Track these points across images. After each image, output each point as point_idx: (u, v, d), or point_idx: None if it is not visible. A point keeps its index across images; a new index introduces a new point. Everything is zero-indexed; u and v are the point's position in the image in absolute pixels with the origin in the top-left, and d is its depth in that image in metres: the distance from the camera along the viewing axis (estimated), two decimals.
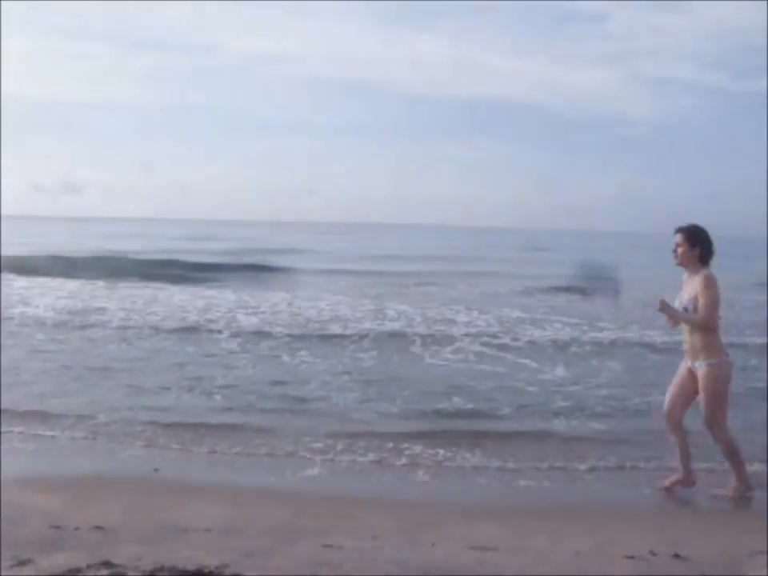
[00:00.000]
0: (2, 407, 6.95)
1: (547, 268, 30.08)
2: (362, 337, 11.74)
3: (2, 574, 3.05)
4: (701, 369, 5.26)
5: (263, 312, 14.39)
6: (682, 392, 5.41)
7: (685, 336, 5.37)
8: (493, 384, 8.72)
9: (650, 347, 11.61)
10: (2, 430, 6.45)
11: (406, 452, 6.26)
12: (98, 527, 3.94)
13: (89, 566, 3.10)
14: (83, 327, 12.01)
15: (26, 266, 21.31)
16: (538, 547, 4.09)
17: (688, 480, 5.45)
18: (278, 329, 12.18)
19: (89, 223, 79.73)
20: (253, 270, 23.41)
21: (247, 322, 13.02)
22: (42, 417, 6.91)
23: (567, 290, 19.52)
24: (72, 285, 18.70)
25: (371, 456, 6.15)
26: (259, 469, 5.70)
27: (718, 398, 5.26)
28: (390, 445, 6.42)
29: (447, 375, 9.29)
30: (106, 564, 3.14)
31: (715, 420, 5.28)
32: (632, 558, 3.84)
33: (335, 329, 12.39)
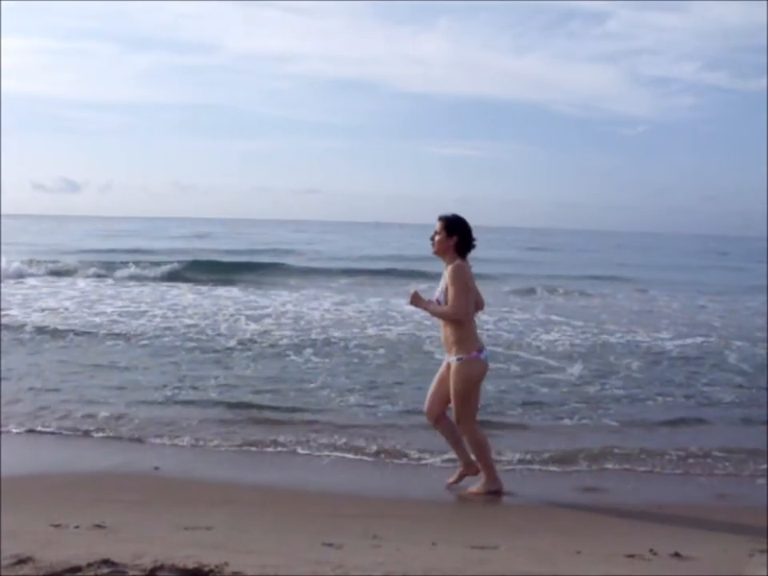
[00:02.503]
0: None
1: (547, 268, 30.16)
2: (371, 337, 11.73)
3: (2, 573, 3.05)
4: (452, 364, 5.14)
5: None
6: (440, 387, 5.28)
7: (441, 330, 5.23)
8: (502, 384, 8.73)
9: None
10: (3, 430, 6.45)
11: (409, 452, 6.25)
12: (98, 525, 3.94)
13: (89, 565, 3.10)
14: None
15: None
16: (538, 546, 4.09)
17: (470, 469, 5.33)
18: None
19: (108, 222, 79.56)
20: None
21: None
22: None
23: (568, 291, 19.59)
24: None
25: (373, 455, 6.15)
26: (260, 467, 5.69)
27: (465, 395, 5.13)
28: (393, 443, 6.43)
29: None
30: (107, 562, 3.14)
31: (462, 417, 5.17)
32: (632, 557, 3.84)
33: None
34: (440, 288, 5.15)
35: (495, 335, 12.22)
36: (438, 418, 5.35)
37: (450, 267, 5.08)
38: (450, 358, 5.18)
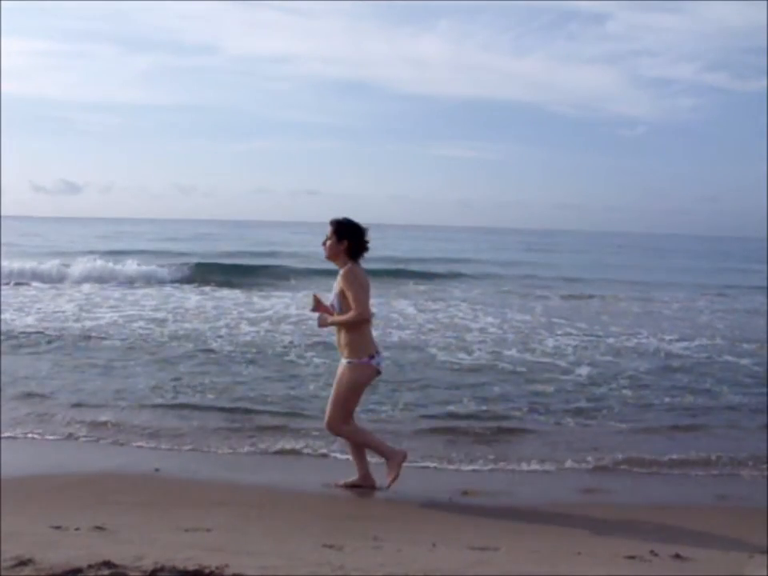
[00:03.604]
0: None
1: (547, 270, 30.15)
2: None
3: (3, 574, 3.05)
4: (343, 365, 5.12)
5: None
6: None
7: (336, 332, 5.20)
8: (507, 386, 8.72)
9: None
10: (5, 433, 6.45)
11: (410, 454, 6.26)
12: (98, 527, 3.93)
13: (89, 567, 3.10)
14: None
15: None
16: (538, 547, 4.08)
17: (367, 481, 5.30)
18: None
19: (109, 223, 79.55)
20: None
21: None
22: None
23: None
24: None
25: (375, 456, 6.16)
26: (260, 469, 5.69)
27: (346, 397, 5.10)
28: (393, 445, 6.43)
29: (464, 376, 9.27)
30: (107, 564, 3.13)
31: (334, 418, 5.13)
32: (633, 557, 3.84)
33: None
34: (333, 293, 5.13)
35: (499, 337, 12.20)
36: (341, 426, 5.29)
37: (342, 272, 5.06)
38: (342, 360, 5.15)
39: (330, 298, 5.20)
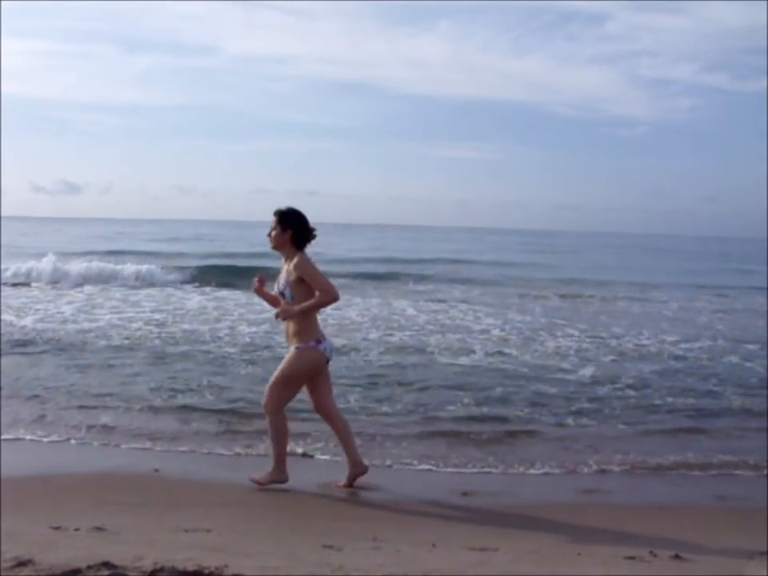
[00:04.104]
0: None
1: (547, 270, 30.15)
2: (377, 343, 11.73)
3: (2, 574, 3.05)
4: (290, 351, 5.14)
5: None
6: (313, 385, 5.24)
7: (283, 324, 5.21)
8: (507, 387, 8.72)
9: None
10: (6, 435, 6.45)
11: (409, 455, 6.26)
12: (98, 528, 3.93)
13: (89, 567, 3.10)
14: None
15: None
16: (538, 547, 4.08)
17: (358, 468, 5.28)
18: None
19: (109, 224, 79.51)
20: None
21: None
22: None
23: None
24: None
25: (375, 458, 6.16)
26: (259, 470, 5.68)
27: (288, 381, 5.11)
28: (393, 446, 6.43)
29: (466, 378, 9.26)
30: (106, 565, 3.13)
31: (273, 399, 5.14)
32: (632, 558, 3.84)
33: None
34: (282, 282, 5.15)
35: (500, 338, 12.19)
36: (329, 415, 5.32)
37: (296, 261, 5.07)
38: (291, 348, 5.17)
39: (275, 288, 5.20)
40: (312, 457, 6.12)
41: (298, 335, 5.11)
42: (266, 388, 5.23)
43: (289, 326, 5.16)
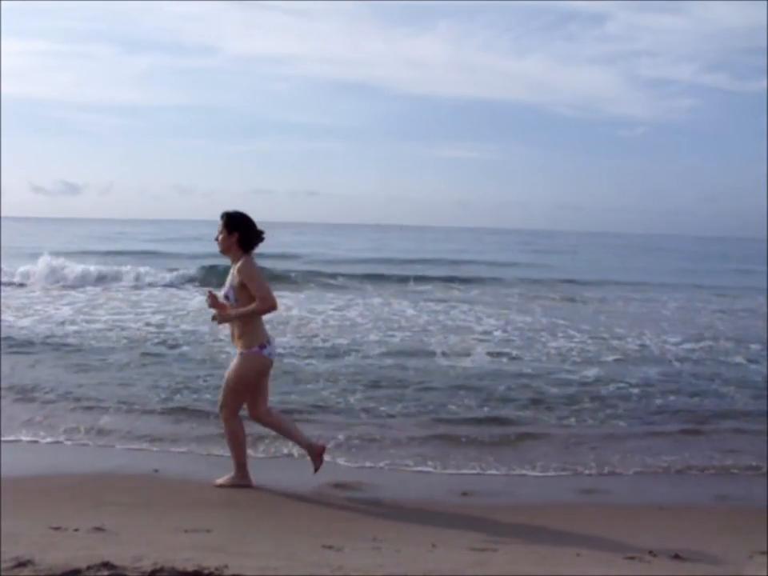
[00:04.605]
0: None
1: (547, 271, 30.15)
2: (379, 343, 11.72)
3: (2, 575, 3.05)
4: (237, 356, 5.17)
5: None
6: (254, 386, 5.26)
7: (230, 325, 5.22)
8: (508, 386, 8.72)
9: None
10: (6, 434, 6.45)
11: (409, 456, 6.26)
12: (97, 528, 3.93)
13: (89, 567, 3.10)
14: None
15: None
16: (538, 548, 4.08)
17: (314, 449, 5.33)
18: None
19: (109, 224, 79.47)
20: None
21: None
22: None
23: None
24: None
25: (375, 458, 6.16)
26: (259, 470, 5.68)
27: (237, 388, 5.13)
28: (393, 447, 6.43)
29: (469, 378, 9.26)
30: (106, 565, 3.14)
31: (226, 406, 5.17)
32: (632, 558, 3.85)
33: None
34: (227, 284, 5.14)
35: (502, 339, 12.17)
36: (260, 417, 5.34)
37: (239, 264, 5.05)
38: (237, 351, 5.19)
39: (222, 292, 5.20)
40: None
41: (242, 339, 5.13)
42: (219, 397, 5.26)
43: (233, 330, 5.18)
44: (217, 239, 5.15)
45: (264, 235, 5.18)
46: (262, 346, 5.12)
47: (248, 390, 5.19)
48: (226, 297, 5.14)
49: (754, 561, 3.83)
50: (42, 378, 8.55)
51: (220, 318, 5.17)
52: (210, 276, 21.69)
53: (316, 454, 5.35)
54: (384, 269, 26.75)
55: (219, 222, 5.14)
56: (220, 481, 5.27)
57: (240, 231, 5.08)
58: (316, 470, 5.35)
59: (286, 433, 5.41)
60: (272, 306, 5.06)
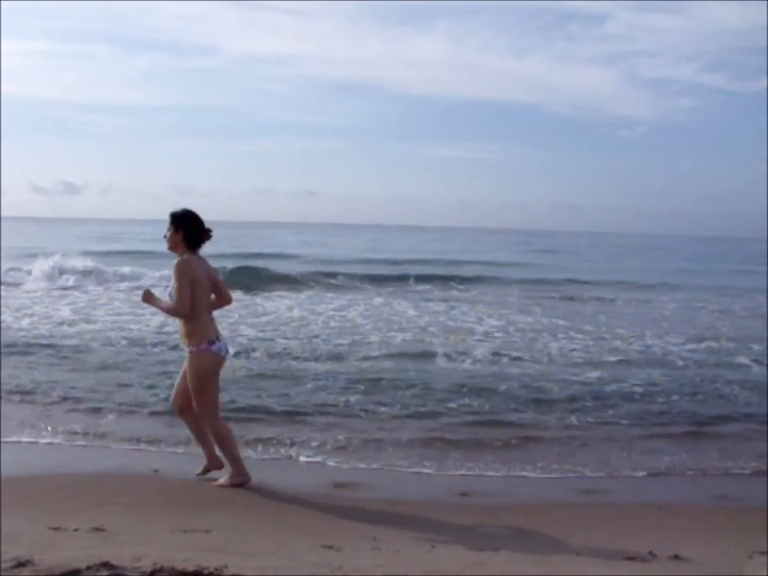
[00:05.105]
0: None
1: (547, 271, 30.14)
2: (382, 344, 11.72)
3: (2, 574, 3.05)
4: (187, 356, 5.19)
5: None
6: (183, 379, 5.30)
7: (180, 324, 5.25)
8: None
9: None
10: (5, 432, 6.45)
11: (408, 457, 6.26)
12: (97, 528, 3.93)
13: (88, 567, 3.10)
14: None
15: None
16: (538, 548, 4.08)
17: (214, 463, 5.39)
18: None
19: (109, 224, 79.42)
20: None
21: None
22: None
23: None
24: None
25: (372, 459, 6.16)
26: (259, 470, 5.68)
27: (200, 386, 5.15)
28: (393, 448, 6.43)
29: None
30: (106, 565, 3.14)
31: (200, 409, 5.20)
32: (632, 558, 3.85)
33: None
34: (171, 283, 5.17)
35: (503, 340, 12.16)
36: (183, 409, 5.37)
37: (175, 264, 5.09)
38: (186, 350, 5.21)
39: (168, 290, 5.22)
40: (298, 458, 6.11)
41: (188, 337, 5.15)
42: (193, 403, 5.27)
43: (181, 328, 5.20)
44: (165, 237, 5.21)
45: (212, 233, 5.22)
46: (211, 342, 5.14)
47: (212, 386, 5.20)
48: (170, 295, 5.17)
49: (754, 561, 3.82)
50: (41, 378, 8.56)
51: (145, 297, 5.24)
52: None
53: (212, 467, 5.40)
54: (384, 269, 26.74)
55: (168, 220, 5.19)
56: (221, 481, 5.28)
57: (185, 229, 5.13)
58: (198, 474, 5.43)
59: (200, 433, 5.40)
60: (181, 314, 5.08)
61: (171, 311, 5.13)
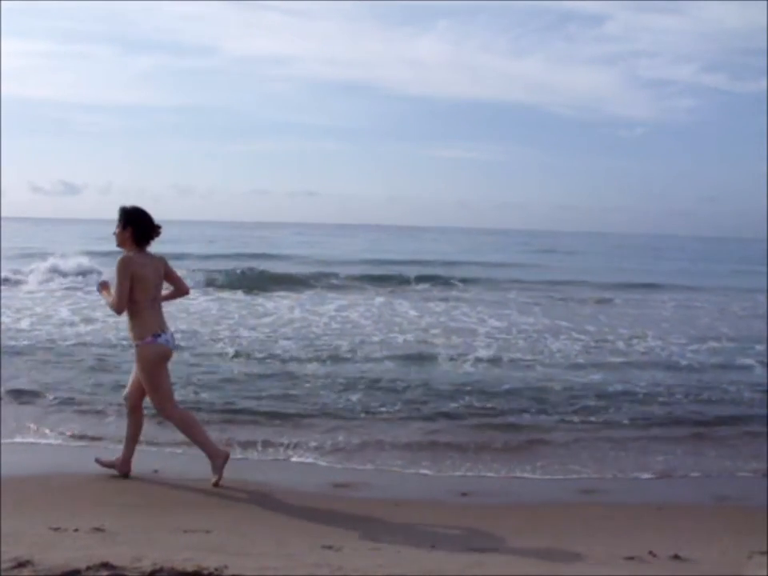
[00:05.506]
0: None
1: (547, 272, 30.13)
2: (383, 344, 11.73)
3: (2, 575, 3.05)
4: (135, 351, 5.25)
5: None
6: (137, 375, 5.34)
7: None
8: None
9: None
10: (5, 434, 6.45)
11: (408, 458, 6.26)
12: (97, 529, 3.93)
13: (88, 568, 3.10)
14: None
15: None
16: (537, 548, 4.08)
17: (123, 467, 5.40)
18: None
19: (108, 225, 79.25)
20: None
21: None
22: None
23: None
24: None
25: (372, 460, 6.16)
26: (259, 470, 5.69)
27: (149, 379, 5.19)
28: (393, 449, 6.44)
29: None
30: (106, 565, 3.14)
31: (155, 402, 5.26)
32: (632, 558, 3.84)
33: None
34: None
35: (504, 340, 12.15)
36: (134, 408, 5.43)
37: (117, 261, 5.15)
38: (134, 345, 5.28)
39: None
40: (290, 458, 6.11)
41: (133, 331, 5.22)
42: (149, 397, 5.32)
43: (128, 323, 5.26)
44: (114, 234, 5.26)
45: (160, 230, 5.28)
46: (156, 335, 5.19)
47: (161, 378, 5.25)
48: None
49: (753, 561, 3.82)
50: (41, 378, 8.56)
51: (101, 286, 5.36)
52: (210, 276, 21.71)
53: (121, 471, 5.41)
54: (385, 269, 26.73)
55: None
56: (213, 478, 5.27)
57: (133, 226, 5.19)
58: (98, 460, 5.45)
59: (134, 434, 5.45)
60: (116, 310, 5.17)
61: (109, 306, 5.22)
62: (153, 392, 5.24)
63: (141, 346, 5.18)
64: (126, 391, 5.50)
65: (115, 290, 5.12)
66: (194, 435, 5.36)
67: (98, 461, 5.49)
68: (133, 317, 5.18)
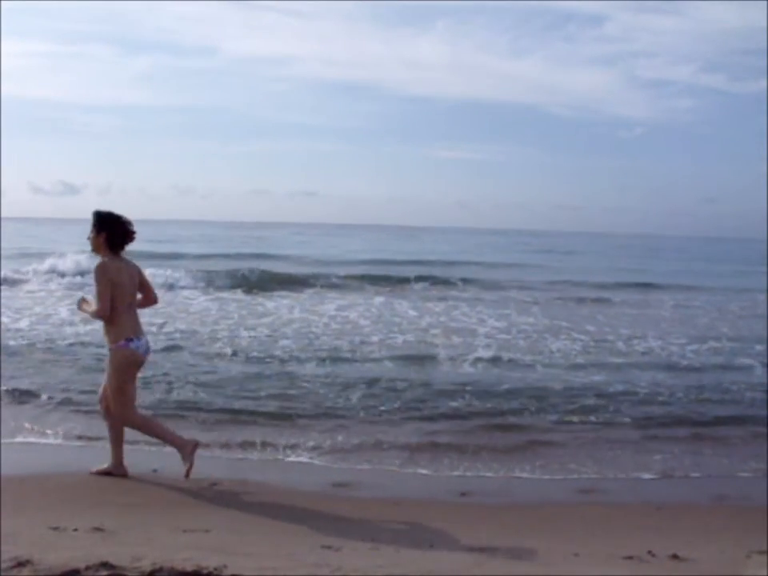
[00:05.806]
0: None
1: (547, 272, 30.13)
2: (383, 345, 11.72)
3: (2, 574, 3.05)
4: (109, 354, 5.27)
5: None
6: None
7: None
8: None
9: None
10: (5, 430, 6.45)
11: (408, 459, 6.27)
12: (96, 528, 3.93)
13: (87, 567, 3.10)
14: None
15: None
16: (536, 548, 4.09)
17: (119, 470, 5.39)
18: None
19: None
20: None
21: None
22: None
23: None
24: None
25: (372, 460, 6.17)
26: (258, 470, 5.69)
27: (117, 383, 5.23)
28: (393, 449, 6.44)
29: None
30: (105, 565, 3.14)
31: (116, 405, 5.27)
32: (631, 558, 3.84)
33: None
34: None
35: (504, 341, 12.14)
36: (109, 409, 5.42)
37: (95, 267, 5.15)
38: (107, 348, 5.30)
39: None
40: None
41: (108, 335, 5.25)
42: (110, 400, 5.33)
43: (103, 328, 5.28)
44: (88, 239, 5.25)
45: (135, 235, 5.28)
46: (129, 340, 5.22)
47: (127, 383, 5.28)
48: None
49: (752, 560, 3.83)
50: (41, 378, 8.55)
51: (80, 305, 5.40)
52: (210, 276, 21.71)
53: (117, 473, 5.38)
54: (385, 269, 26.72)
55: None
56: (187, 473, 5.24)
57: (107, 231, 5.18)
58: (93, 473, 5.40)
59: (116, 435, 5.42)
60: (102, 316, 5.17)
61: (94, 314, 5.21)
62: (116, 394, 5.27)
63: (114, 350, 5.22)
64: (99, 394, 5.51)
65: (97, 296, 5.12)
66: (157, 434, 5.39)
67: (92, 473, 5.43)
68: (108, 321, 5.19)
